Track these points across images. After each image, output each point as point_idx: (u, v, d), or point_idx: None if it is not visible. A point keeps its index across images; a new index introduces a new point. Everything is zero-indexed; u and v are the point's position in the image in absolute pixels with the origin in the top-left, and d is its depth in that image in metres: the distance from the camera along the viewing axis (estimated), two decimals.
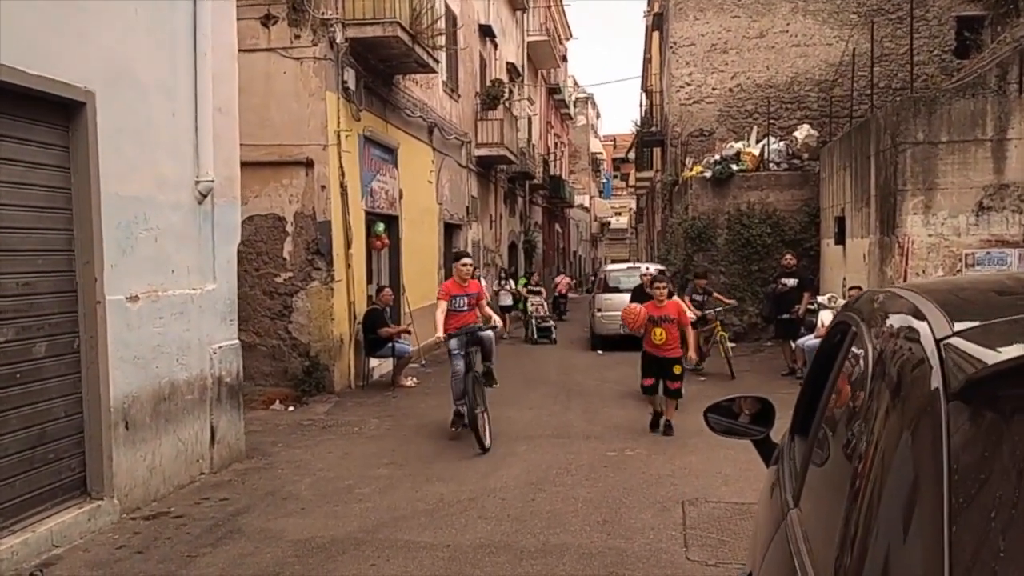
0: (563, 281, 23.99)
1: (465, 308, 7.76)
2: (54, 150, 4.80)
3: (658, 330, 7.76)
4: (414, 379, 11.39)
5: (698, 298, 11.85)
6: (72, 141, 4.90)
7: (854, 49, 15.31)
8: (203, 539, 5.03)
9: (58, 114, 4.81)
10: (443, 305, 7.66)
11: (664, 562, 4.70)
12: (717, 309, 12.10)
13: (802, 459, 1.87)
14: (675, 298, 9.15)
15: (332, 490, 6.16)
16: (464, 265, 7.90)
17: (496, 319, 8.13)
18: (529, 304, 17.81)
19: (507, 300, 18.45)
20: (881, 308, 1.66)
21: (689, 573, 4.57)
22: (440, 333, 7.57)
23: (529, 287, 18.76)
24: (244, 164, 8.95)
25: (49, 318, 4.75)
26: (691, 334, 8.17)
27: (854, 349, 1.72)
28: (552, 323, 17.58)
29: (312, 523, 5.39)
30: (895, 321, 1.47)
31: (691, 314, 9.73)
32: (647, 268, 11.86)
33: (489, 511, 5.60)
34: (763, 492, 2.70)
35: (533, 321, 17.36)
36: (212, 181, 6.26)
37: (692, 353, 8.28)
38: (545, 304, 18.34)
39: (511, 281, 18.89)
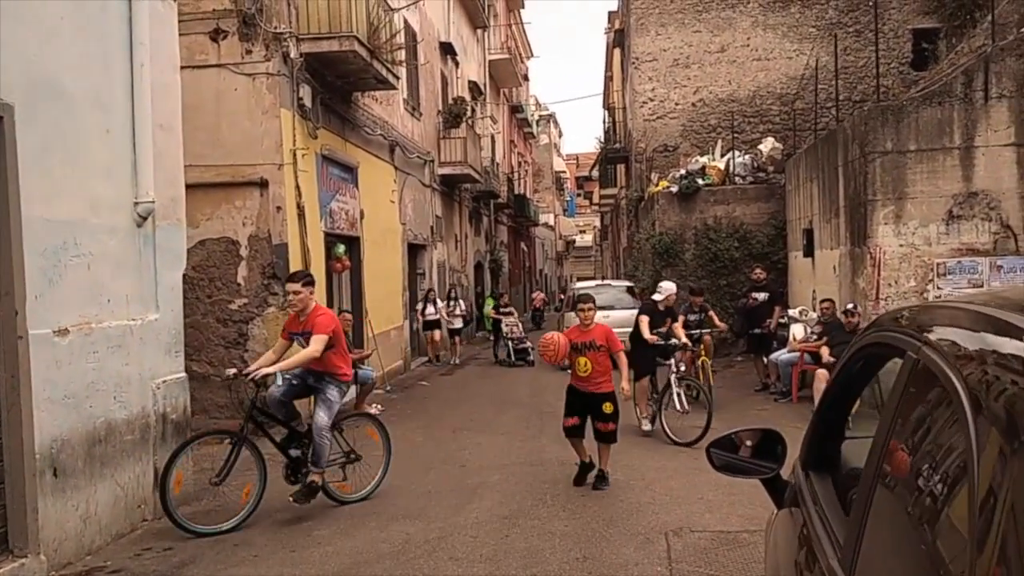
0: (539, 296, 29.01)
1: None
2: None
3: (582, 359, 6.48)
4: (378, 406, 10.91)
5: (693, 318, 10.53)
6: None
7: (817, 61, 15.30)
8: None
9: None
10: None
11: None
12: (712, 331, 10.75)
13: (851, 524, 1.51)
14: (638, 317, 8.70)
15: (288, 533, 5.69)
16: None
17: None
18: (504, 325, 16.99)
19: (457, 323, 17.42)
20: (951, 327, 1.32)
21: None
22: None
23: (499, 308, 17.88)
24: (195, 185, 8.51)
25: None
26: (623, 362, 6.72)
27: (914, 382, 1.37)
28: (528, 344, 16.58)
29: (265, 572, 4.91)
30: (988, 344, 1.12)
31: (682, 338, 8.82)
32: (666, 286, 9.34)
33: (459, 551, 5.18)
34: (777, 538, 2.34)
35: (509, 343, 16.62)
36: (152, 202, 5.80)
37: (625, 384, 6.70)
38: (520, 325, 17.52)
39: (459, 303, 17.72)
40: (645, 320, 8.86)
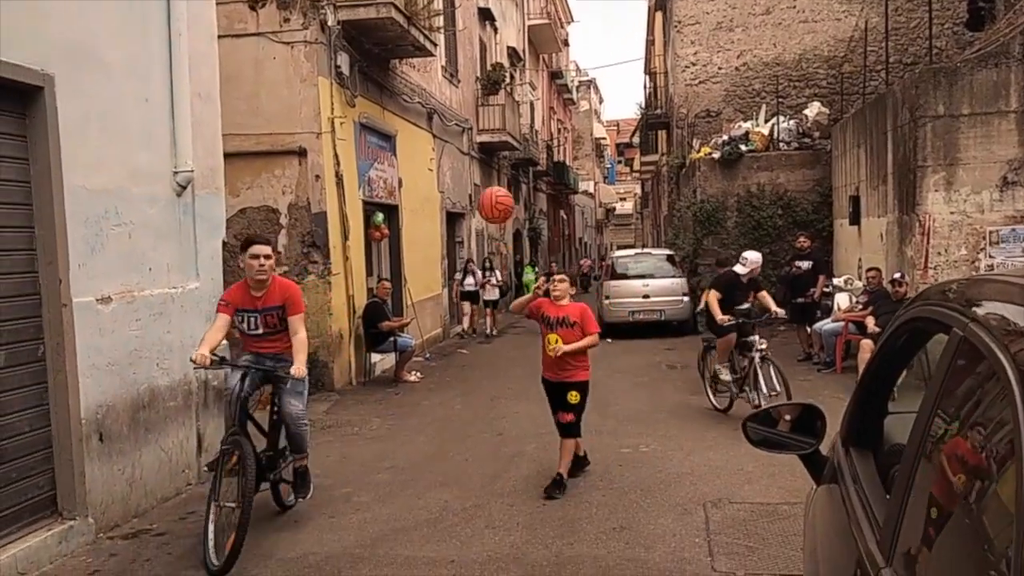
0: (586, 263, 34.64)
1: None
2: (9, 140, 4.36)
3: (552, 336, 5.67)
4: (417, 374, 11.00)
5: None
6: (30, 130, 4.47)
7: (866, 22, 14.79)
8: (186, 560, 4.63)
9: (12, 100, 4.37)
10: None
11: (689, 574, 4.31)
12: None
13: (892, 504, 1.45)
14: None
15: (328, 499, 5.76)
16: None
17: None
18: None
19: (494, 294, 16.74)
20: (1001, 302, 1.24)
21: None
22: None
23: (550, 276, 17.39)
24: (235, 154, 8.57)
25: (8, 324, 4.34)
26: (588, 342, 5.74)
27: (960, 360, 1.29)
28: None
29: (306, 538, 4.99)
30: None
31: (774, 307, 7.94)
32: (752, 257, 8.12)
33: (496, 519, 5.20)
34: (815, 515, 2.28)
35: None
36: (191, 171, 5.84)
37: (566, 347, 5.63)
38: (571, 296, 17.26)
39: (495, 273, 17.29)
40: (715, 296, 7.83)
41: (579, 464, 6.03)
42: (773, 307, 8.06)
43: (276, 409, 5.13)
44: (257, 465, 4.72)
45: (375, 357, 11.06)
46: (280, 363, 5.02)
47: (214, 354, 4.71)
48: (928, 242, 9.64)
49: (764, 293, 8.26)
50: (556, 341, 5.65)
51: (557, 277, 6.06)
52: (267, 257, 4.89)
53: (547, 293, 5.93)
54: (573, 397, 5.75)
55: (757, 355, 7.47)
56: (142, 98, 5.43)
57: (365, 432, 7.95)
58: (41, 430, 4.56)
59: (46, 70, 4.49)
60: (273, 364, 5.03)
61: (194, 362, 4.66)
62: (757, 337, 7.59)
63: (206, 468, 5.25)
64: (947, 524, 1.23)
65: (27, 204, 4.50)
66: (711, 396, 8.25)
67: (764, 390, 7.29)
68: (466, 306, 15.98)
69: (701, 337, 9.14)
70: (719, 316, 7.68)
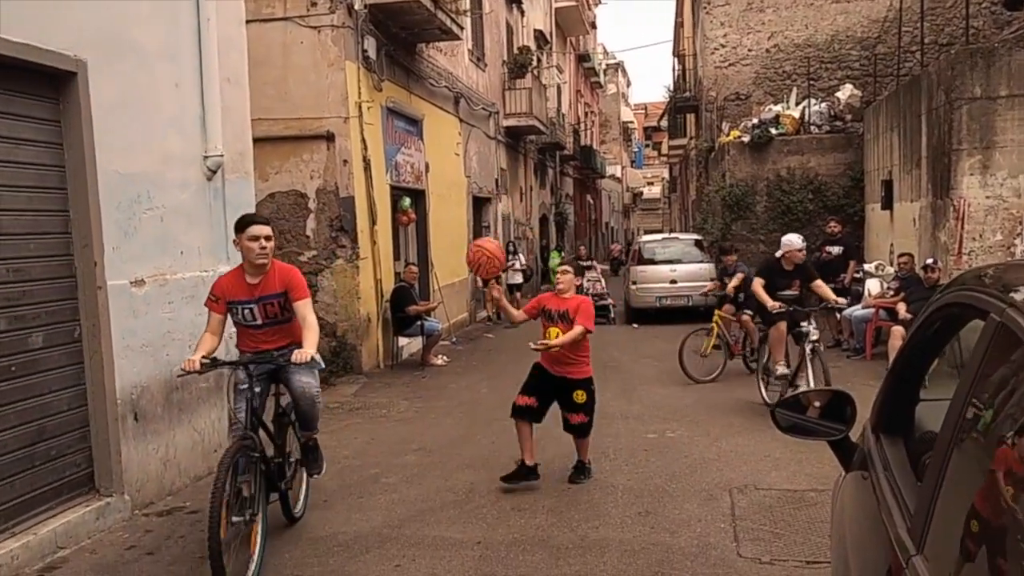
0: (616, 247, 32.08)
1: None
2: (44, 125, 4.44)
3: (554, 329, 5.38)
4: (444, 357, 11.06)
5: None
6: (64, 115, 4.54)
7: (901, 2, 14.48)
8: None
9: (47, 85, 4.45)
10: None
11: (714, 559, 4.30)
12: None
13: (924, 491, 1.44)
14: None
15: (357, 480, 5.84)
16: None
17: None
18: (585, 280, 15.15)
19: (517, 278, 16.50)
20: None
21: (742, 572, 4.16)
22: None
23: (580, 262, 16.12)
24: (263, 139, 8.64)
25: (45, 306, 4.43)
26: (575, 332, 5.30)
27: (997, 346, 1.27)
28: (610, 301, 15.28)
29: (334, 517, 5.07)
30: None
31: (831, 296, 7.42)
32: (787, 239, 7.72)
33: (523, 502, 5.23)
34: (844, 502, 2.27)
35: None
36: (222, 156, 5.90)
37: (552, 341, 5.33)
38: (602, 280, 15.94)
39: (519, 256, 16.99)
40: (759, 283, 7.52)
41: (581, 470, 5.66)
42: (831, 296, 7.47)
43: (281, 408, 4.63)
44: (267, 475, 4.29)
45: (402, 341, 11.14)
46: (290, 352, 4.24)
47: (204, 358, 4.10)
48: (962, 227, 9.47)
49: (819, 282, 7.62)
50: (557, 335, 5.35)
51: (560, 269, 5.76)
52: (268, 238, 4.25)
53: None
54: (579, 396, 5.44)
55: (809, 346, 7.06)
56: (172, 83, 5.48)
57: (393, 414, 8.02)
58: (78, 409, 4.67)
59: (79, 56, 4.55)
60: (281, 355, 4.29)
61: (183, 370, 4.09)
62: (812, 326, 7.14)
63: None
64: (982, 513, 1.21)
65: (62, 188, 4.58)
66: (763, 390, 7.78)
67: (812, 385, 6.79)
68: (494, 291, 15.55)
69: (757, 326, 8.84)
70: (768, 303, 7.24)
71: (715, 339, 9.37)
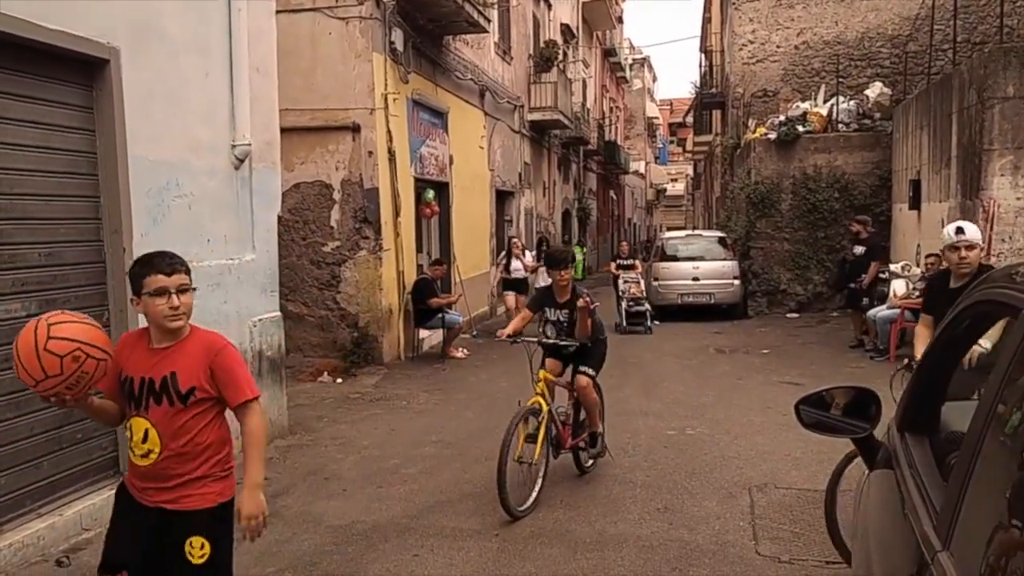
0: (624, 247, 29.24)
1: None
2: (77, 111, 4.51)
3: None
4: (465, 350, 11.09)
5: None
6: (96, 102, 4.60)
7: (934, 0, 14.27)
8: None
9: (80, 73, 4.51)
10: None
11: (732, 557, 4.29)
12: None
13: (950, 490, 1.42)
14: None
15: (377, 470, 5.88)
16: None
17: None
18: (621, 282, 13.82)
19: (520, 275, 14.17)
20: None
21: (760, 570, 4.15)
22: None
23: (619, 261, 14.84)
24: (290, 130, 8.69)
25: (75, 290, 4.50)
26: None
27: None
28: (646, 307, 13.58)
29: (354, 506, 5.11)
30: None
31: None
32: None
33: (541, 495, 5.23)
34: (868, 499, 2.26)
35: (624, 303, 13.44)
36: (249, 145, 5.94)
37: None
38: (641, 282, 14.05)
39: (524, 256, 14.18)
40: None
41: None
42: None
43: None
44: None
45: (423, 333, 11.18)
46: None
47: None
48: (992, 228, 9.33)
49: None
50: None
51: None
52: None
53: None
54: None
55: None
56: (203, 72, 5.53)
57: (413, 406, 8.06)
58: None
59: (112, 43, 4.60)
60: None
61: None
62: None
63: None
64: (1010, 513, 1.20)
65: (93, 174, 4.64)
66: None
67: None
68: (510, 298, 12.57)
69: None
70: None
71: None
